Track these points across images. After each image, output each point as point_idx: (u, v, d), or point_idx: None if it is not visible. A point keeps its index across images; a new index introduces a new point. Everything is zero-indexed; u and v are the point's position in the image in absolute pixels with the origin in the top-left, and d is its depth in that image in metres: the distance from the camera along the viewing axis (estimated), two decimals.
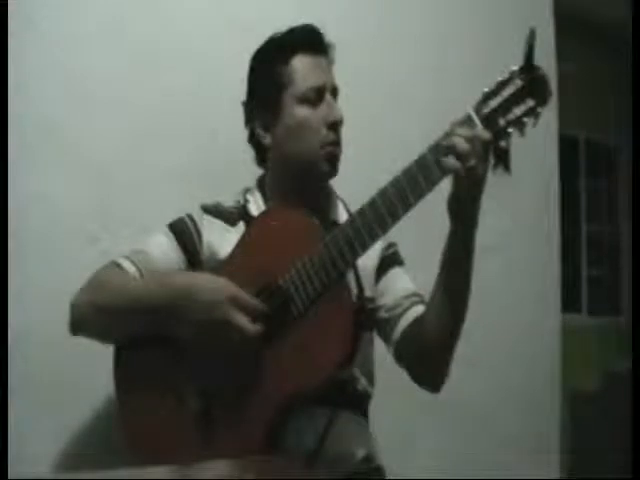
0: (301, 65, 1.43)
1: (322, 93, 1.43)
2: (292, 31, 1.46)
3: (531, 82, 1.17)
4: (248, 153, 1.52)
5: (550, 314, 2.45)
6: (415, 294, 1.46)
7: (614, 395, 3.82)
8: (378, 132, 2.08)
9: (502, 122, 1.19)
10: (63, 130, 1.72)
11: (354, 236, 1.26)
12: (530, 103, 1.18)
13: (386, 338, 1.46)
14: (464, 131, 1.18)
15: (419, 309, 1.42)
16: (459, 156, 1.17)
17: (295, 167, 1.44)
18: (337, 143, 1.43)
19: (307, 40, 1.44)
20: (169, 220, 1.49)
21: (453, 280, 1.32)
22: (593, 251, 5.56)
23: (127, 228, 1.70)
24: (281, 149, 1.45)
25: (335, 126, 1.42)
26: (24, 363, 1.58)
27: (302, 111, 1.42)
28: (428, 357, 1.38)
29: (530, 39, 1.15)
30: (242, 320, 1.27)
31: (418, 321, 1.40)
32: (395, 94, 2.14)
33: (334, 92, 1.46)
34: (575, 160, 5.44)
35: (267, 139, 1.46)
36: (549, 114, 2.37)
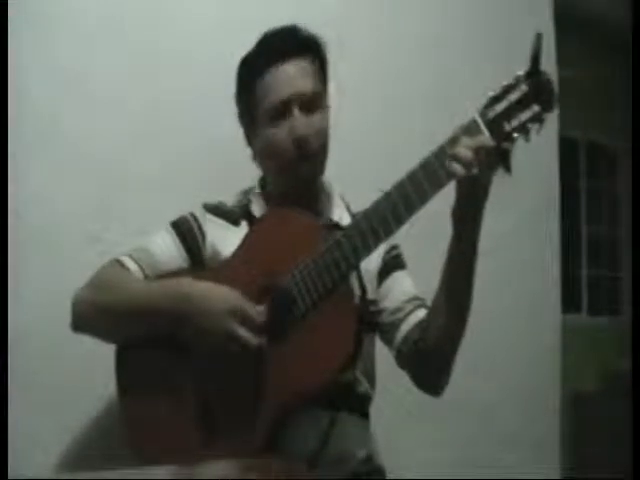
0: (267, 82, 1.39)
1: (288, 107, 1.38)
2: (263, 42, 1.43)
3: (537, 87, 1.17)
4: (248, 153, 1.52)
5: (550, 314, 2.45)
6: (417, 298, 1.45)
7: (614, 395, 3.82)
8: (379, 133, 2.08)
9: (507, 127, 1.18)
10: (63, 130, 1.72)
11: (358, 239, 1.26)
12: (535, 109, 1.17)
13: (388, 342, 1.45)
14: (469, 141, 1.18)
15: (421, 313, 1.41)
16: (464, 165, 1.17)
17: (277, 177, 1.45)
18: (307, 157, 1.39)
19: (276, 50, 1.40)
20: (169, 220, 1.49)
21: (455, 286, 1.32)
22: (593, 251, 5.56)
23: (127, 228, 1.70)
24: (261, 164, 1.47)
25: (302, 141, 1.38)
26: (24, 363, 1.58)
27: (269, 131, 1.40)
28: (430, 361, 1.38)
29: (536, 44, 1.14)
30: (243, 332, 1.26)
31: (420, 325, 1.40)
32: (395, 94, 2.14)
33: (308, 98, 1.40)
34: (575, 161, 5.45)
35: (250, 151, 1.47)
36: (549, 115, 2.37)
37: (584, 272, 5.48)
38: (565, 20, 2.63)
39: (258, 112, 1.41)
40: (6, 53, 1.60)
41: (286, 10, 1.89)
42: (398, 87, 2.15)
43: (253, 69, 1.42)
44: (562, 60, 2.42)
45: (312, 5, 1.98)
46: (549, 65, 2.28)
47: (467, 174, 1.17)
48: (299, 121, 1.38)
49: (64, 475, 1.63)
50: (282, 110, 1.38)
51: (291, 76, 1.40)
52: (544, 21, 2.41)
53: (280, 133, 1.38)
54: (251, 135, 1.46)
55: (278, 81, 1.39)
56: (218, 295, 1.29)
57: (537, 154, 2.30)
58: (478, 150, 1.17)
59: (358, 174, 1.72)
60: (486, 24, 2.33)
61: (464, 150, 1.17)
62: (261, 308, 1.30)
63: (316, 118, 1.40)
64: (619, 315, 5.50)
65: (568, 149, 4.17)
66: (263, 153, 1.44)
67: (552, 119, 2.33)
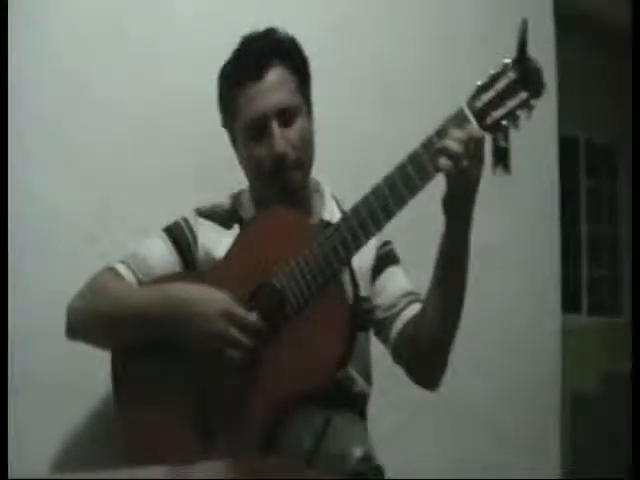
0: (246, 94, 1.39)
1: (267, 122, 1.38)
2: (240, 51, 1.43)
3: (524, 74, 1.17)
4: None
5: (550, 314, 2.45)
6: (411, 293, 1.45)
7: (614, 395, 3.82)
8: (374, 130, 2.08)
9: (495, 115, 1.18)
10: (63, 130, 1.72)
11: (348, 234, 1.26)
12: (523, 95, 1.17)
13: (384, 338, 1.46)
14: (457, 132, 1.18)
15: (415, 308, 1.41)
16: (452, 158, 1.17)
17: (263, 186, 1.44)
18: (288, 170, 1.39)
19: (251, 63, 1.40)
20: (168, 221, 1.49)
21: (448, 279, 1.32)
22: (593, 251, 5.56)
23: (126, 229, 1.71)
24: (245, 172, 1.47)
25: (281, 158, 1.38)
26: (24, 363, 1.58)
27: (250, 146, 1.41)
28: (425, 355, 1.38)
29: (522, 31, 1.14)
30: (237, 334, 1.27)
31: (414, 320, 1.40)
32: (394, 92, 2.14)
33: (286, 110, 1.39)
34: (575, 160, 5.44)
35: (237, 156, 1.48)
36: (549, 114, 2.37)
37: (584, 272, 5.48)
38: (566, 19, 2.63)
39: (237, 125, 1.42)
40: (6, 53, 1.60)
41: (287, 10, 1.89)
42: (397, 87, 2.15)
43: (232, 80, 1.42)
44: (562, 59, 2.42)
45: (312, 5, 1.98)
46: (549, 63, 2.28)
47: (456, 167, 1.17)
48: (277, 138, 1.37)
49: (64, 475, 1.63)
50: (261, 125, 1.38)
51: (269, 89, 1.39)
52: (544, 20, 2.41)
53: (259, 149, 1.39)
54: (234, 143, 1.47)
55: (256, 96, 1.38)
56: (209, 298, 1.30)
57: (537, 154, 2.31)
58: (467, 142, 1.16)
59: (356, 174, 1.71)
60: (486, 23, 2.33)
61: (452, 143, 1.17)
62: (253, 313, 1.30)
63: (296, 128, 1.40)
64: (619, 315, 5.50)
65: (568, 149, 4.17)
66: (244, 164, 1.46)
67: (552, 118, 2.36)
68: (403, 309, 1.43)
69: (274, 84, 1.40)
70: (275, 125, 1.38)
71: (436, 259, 1.32)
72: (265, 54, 1.40)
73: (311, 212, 1.48)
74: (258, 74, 1.39)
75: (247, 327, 1.28)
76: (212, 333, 1.27)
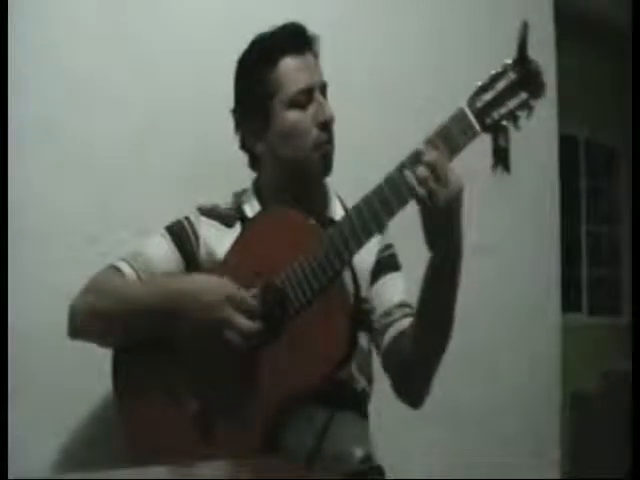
0: (287, 69, 1.41)
1: (311, 93, 1.41)
2: (275, 33, 1.44)
3: (525, 75, 1.17)
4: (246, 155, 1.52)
5: (550, 314, 2.45)
6: (406, 305, 1.43)
7: (614, 395, 3.82)
8: (375, 130, 2.08)
9: (495, 116, 1.18)
10: (63, 130, 1.72)
11: (350, 234, 1.26)
12: (523, 96, 1.17)
13: (376, 345, 1.46)
14: (427, 155, 1.16)
15: (406, 323, 1.40)
16: (420, 182, 1.16)
17: (289, 170, 1.44)
18: (329, 142, 1.43)
19: (291, 41, 1.43)
20: (169, 220, 1.49)
21: (433, 309, 1.30)
22: (593, 251, 5.56)
23: (126, 228, 1.71)
24: (274, 154, 1.45)
25: (326, 125, 1.41)
26: (24, 363, 1.58)
27: (292, 115, 1.41)
28: (409, 373, 1.37)
29: (523, 32, 1.14)
30: (240, 319, 1.26)
31: (401, 336, 1.39)
32: (393, 92, 2.14)
33: (323, 88, 1.45)
34: (575, 160, 5.44)
35: (259, 147, 1.46)
36: (549, 114, 2.37)
37: (584, 272, 5.48)
38: (566, 19, 2.63)
39: (276, 99, 1.41)
40: (6, 53, 1.60)
41: (286, 10, 1.89)
42: (397, 86, 2.15)
43: (262, 61, 1.43)
44: (562, 59, 2.42)
45: (312, 5, 1.98)
46: (549, 63, 2.29)
47: (424, 191, 1.15)
48: (324, 105, 1.42)
49: (64, 475, 1.63)
50: (305, 97, 1.41)
51: (311, 66, 1.44)
52: (544, 20, 2.41)
53: (304, 116, 1.41)
54: (262, 129, 1.44)
55: (303, 68, 1.42)
56: (213, 285, 1.30)
57: (537, 153, 2.30)
58: (434, 165, 1.15)
59: (355, 174, 1.71)
60: (486, 24, 2.33)
61: (421, 168, 1.15)
62: (254, 295, 1.30)
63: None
64: (619, 315, 5.50)
65: (568, 148, 4.18)
66: (282, 141, 1.43)
67: (552, 118, 2.36)
68: (396, 321, 1.41)
69: (313, 62, 1.45)
70: (320, 96, 1.42)
71: (422, 279, 1.29)
72: (302, 37, 1.44)
73: (315, 210, 1.47)
74: (300, 50, 1.43)
75: (251, 312, 1.27)
76: (216, 319, 1.27)
